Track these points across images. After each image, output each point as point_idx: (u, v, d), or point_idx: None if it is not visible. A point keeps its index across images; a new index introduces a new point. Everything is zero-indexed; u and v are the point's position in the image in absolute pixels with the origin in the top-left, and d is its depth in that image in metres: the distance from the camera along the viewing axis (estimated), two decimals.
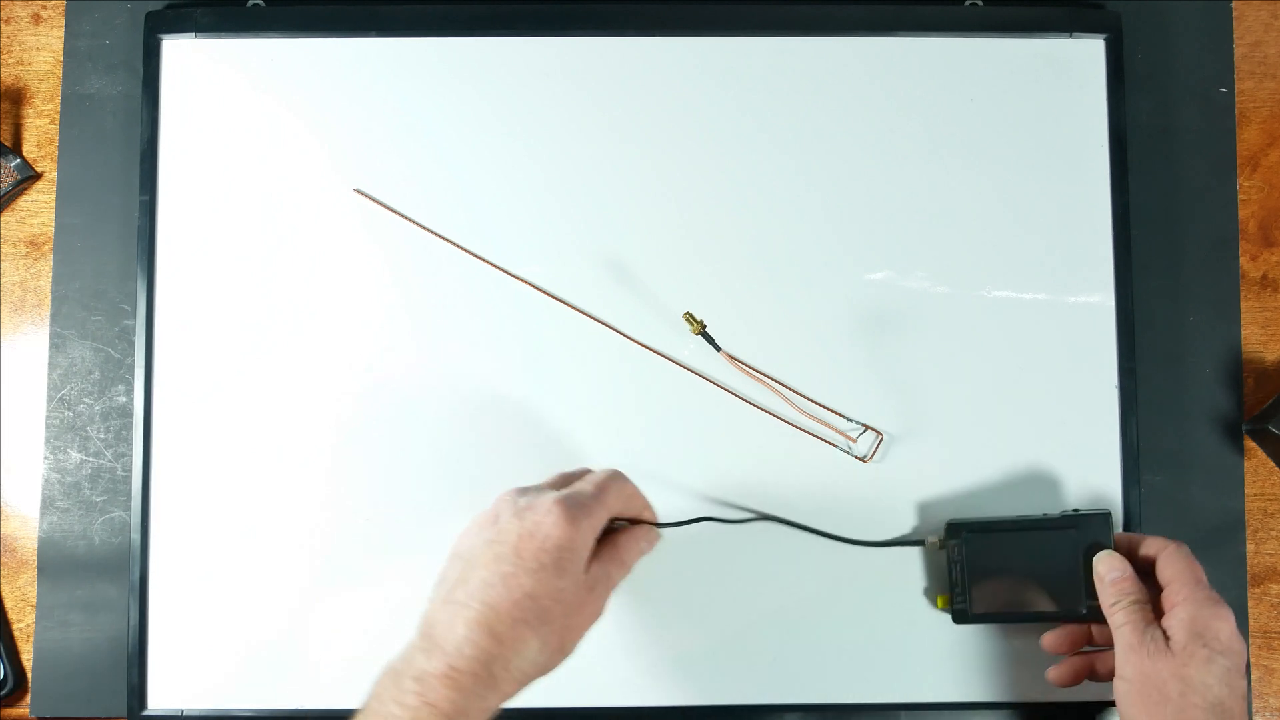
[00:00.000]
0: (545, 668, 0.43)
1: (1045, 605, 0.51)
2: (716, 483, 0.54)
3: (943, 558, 0.53)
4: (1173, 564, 0.47)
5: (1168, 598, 0.47)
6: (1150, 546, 0.49)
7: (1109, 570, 0.49)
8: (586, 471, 0.48)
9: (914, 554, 0.54)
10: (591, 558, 0.45)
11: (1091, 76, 0.56)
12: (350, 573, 0.54)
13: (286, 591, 0.54)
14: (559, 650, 0.44)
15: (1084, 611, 0.50)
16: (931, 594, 0.54)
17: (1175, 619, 0.46)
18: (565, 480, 0.47)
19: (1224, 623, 0.45)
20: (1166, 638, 0.45)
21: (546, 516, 0.43)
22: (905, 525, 0.54)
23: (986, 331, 0.55)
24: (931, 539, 0.53)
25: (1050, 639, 0.52)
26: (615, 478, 0.47)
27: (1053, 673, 0.51)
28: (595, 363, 0.55)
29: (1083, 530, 0.51)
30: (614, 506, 0.46)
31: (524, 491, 0.45)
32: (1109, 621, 0.48)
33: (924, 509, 0.54)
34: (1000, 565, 0.52)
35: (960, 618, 0.52)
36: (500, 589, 0.42)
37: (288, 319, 0.55)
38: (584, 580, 0.44)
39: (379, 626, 0.53)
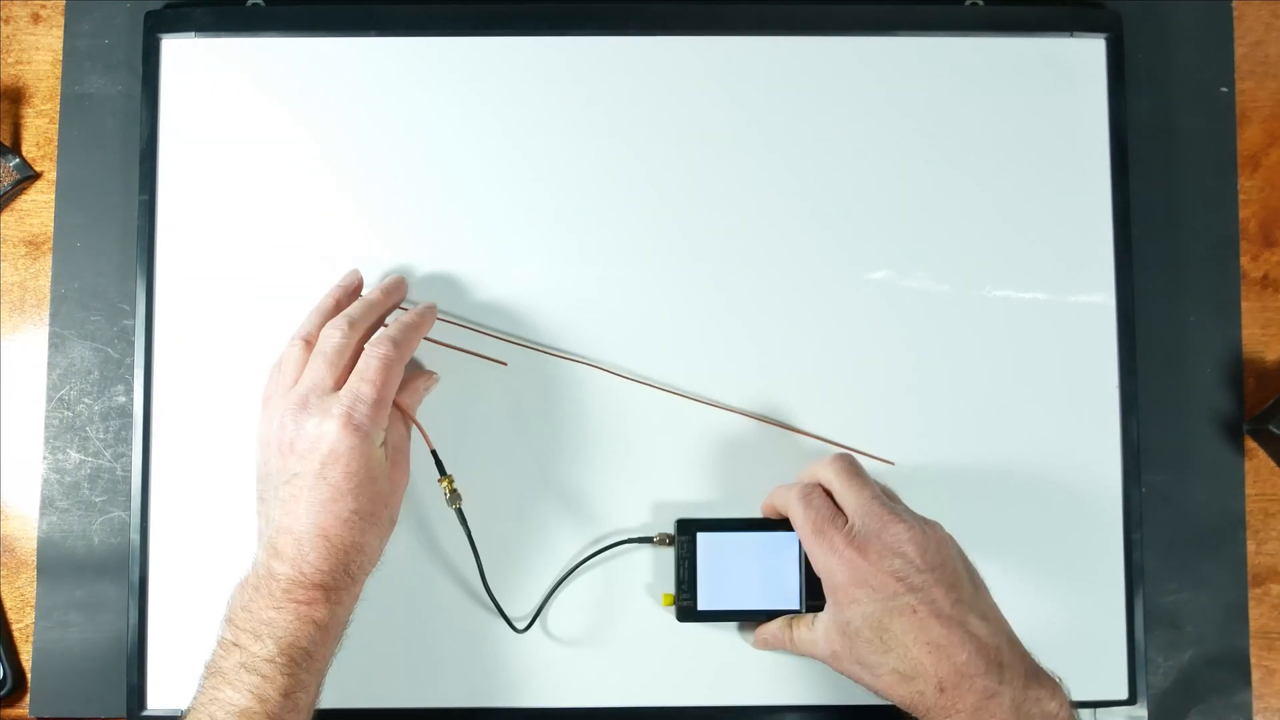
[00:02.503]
0: (382, 548, 0.48)
1: (767, 603, 0.52)
2: (717, 490, 0.54)
3: (670, 555, 0.54)
4: (790, 515, 0.49)
5: None
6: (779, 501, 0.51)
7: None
8: (351, 305, 0.50)
9: None
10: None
11: (1091, 76, 0.56)
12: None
13: None
14: (390, 527, 0.49)
15: (803, 609, 0.52)
16: (655, 591, 0.54)
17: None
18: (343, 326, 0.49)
19: (838, 568, 0.46)
20: None
21: (340, 442, 0.45)
22: None
23: (986, 331, 0.55)
24: (658, 536, 0.53)
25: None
26: (385, 361, 0.47)
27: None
28: (591, 355, 0.55)
29: None
30: (393, 387, 0.48)
31: (303, 405, 0.46)
32: None
33: (922, 507, 0.54)
34: (726, 563, 0.52)
35: (685, 615, 0.52)
36: (326, 515, 0.45)
37: (287, 319, 0.55)
38: (386, 463, 0.48)
39: (376, 625, 0.53)
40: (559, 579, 0.54)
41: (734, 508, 0.54)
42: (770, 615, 0.52)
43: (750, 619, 0.53)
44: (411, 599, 0.54)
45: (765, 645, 0.52)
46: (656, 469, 0.54)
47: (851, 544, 0.46)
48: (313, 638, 0.44)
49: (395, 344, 0.48)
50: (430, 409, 0.53)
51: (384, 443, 0.48)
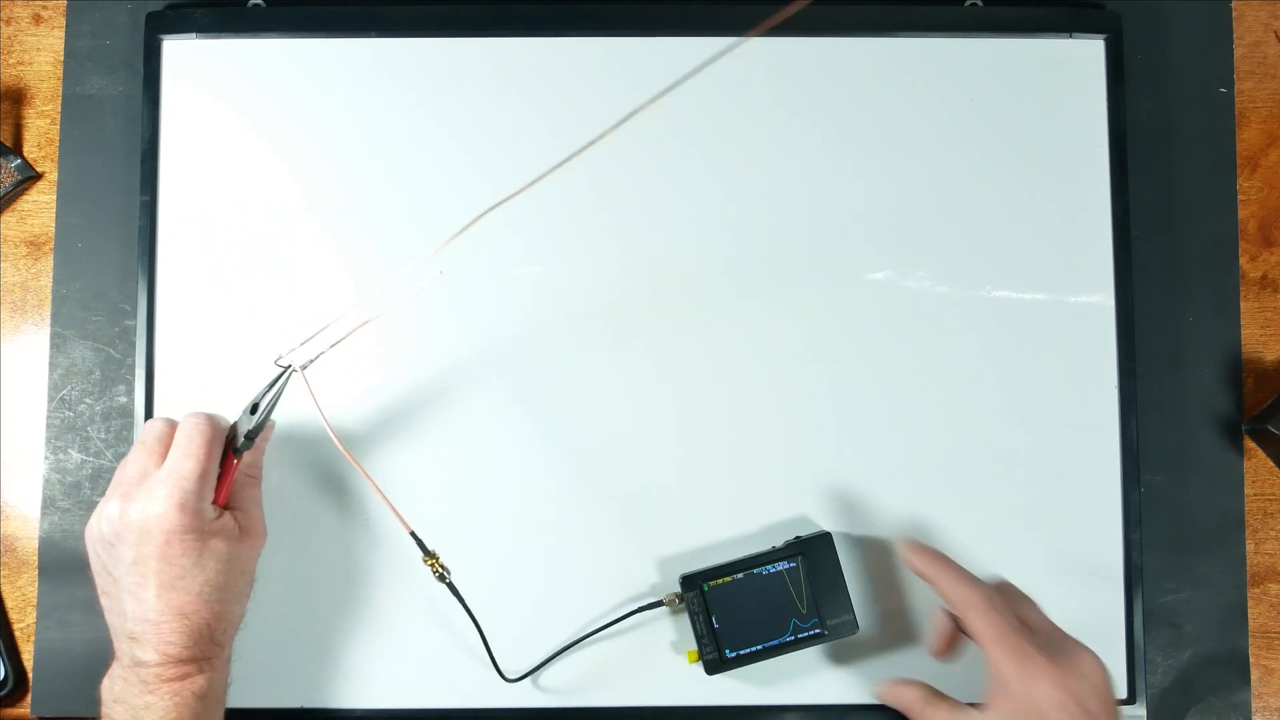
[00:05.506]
0: (244, 610, 0.49)
1: (789, 634, 0.51)
2: (711, 532, 0.55)
3: (684, 613, 0.53)
4: (973, 625, 0.47)
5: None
6: (955, 605, 0.48)
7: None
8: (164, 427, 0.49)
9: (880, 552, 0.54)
10: (228, 505, 0.49)
11: (1091, 76, 0.56)
12: (347, 572, 0.54)
13: (284, 591, 0.54)
14: (249, 588, 0.49)
15: (824, 633, 0.51)
16: (680, 649, 0.53)
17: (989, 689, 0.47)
18: (155, 444, 0.48)
19: (1042, 684, 0.45)
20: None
21: (173, 521, 0.45)
22: (903, 525, 0.54)
23: (986, 331, 0.55)
24: (668, 597, 0.53)
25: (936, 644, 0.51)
26: (199, 430, 0.47)
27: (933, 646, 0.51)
28: (587, 353, 0.55)
29: (808, 555, 0.52)
30: (216, 455, 0.47)
31: (126, 495, 0.46)
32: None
33: (923, 508, 0.54)
34: (740, 606, 0.52)
35: (713, 668, 0.52)
36: (178, 593, 0.45)
37: (288, 319, 0.55)
38: (235, 527, 0.48)
39: (375, 626, 0.54)
40: (566, 644, 0.53)
41: (730, 548, 0.54)
42: (797, 645, 0.51)
43: (777, 654, 0.52)
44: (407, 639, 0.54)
45: (891, 703, 0.51)
46: (649, 525, 0.54)
47: (1053, 661, 0.45)
48: (195, 710, 0.45)
49: (208, 414, 0.48)
50: (418, 483, 0.54)
51: (229, 508, 0.48)
